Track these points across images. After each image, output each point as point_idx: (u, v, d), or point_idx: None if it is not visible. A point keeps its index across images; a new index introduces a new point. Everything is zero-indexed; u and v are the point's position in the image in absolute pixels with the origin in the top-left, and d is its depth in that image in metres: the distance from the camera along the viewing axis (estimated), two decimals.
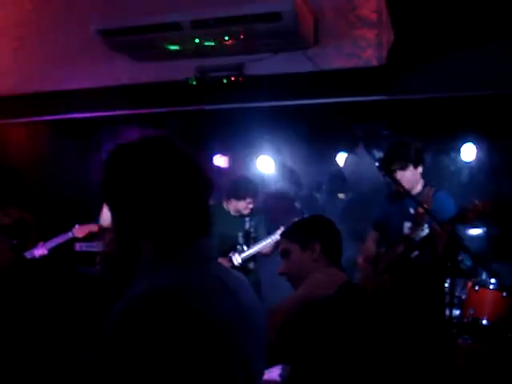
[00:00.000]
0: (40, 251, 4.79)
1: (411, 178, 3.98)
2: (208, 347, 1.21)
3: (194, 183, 1.40)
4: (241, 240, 5.14)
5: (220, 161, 6.70)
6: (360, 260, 4.30)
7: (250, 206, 5.17)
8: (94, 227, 5.06)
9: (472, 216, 3.59)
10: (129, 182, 1.36)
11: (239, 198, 5.16)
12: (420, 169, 4.04)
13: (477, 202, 3.58)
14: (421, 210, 3.76)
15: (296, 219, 2.92)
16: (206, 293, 1.30)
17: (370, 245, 4.32)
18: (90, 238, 5.17)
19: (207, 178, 1.47)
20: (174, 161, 1.39)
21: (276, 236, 5.06)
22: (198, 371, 1.18)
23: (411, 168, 3.96)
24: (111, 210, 1.41)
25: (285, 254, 2.55)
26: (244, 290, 1.46)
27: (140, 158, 1.38)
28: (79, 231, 5.07)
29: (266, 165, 6.56)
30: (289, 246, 2.53)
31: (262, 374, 1.49)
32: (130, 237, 1.39)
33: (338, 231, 2.63)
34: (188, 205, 1.37)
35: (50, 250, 4.88)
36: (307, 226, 2.60)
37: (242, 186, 5.24)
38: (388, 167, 3.89)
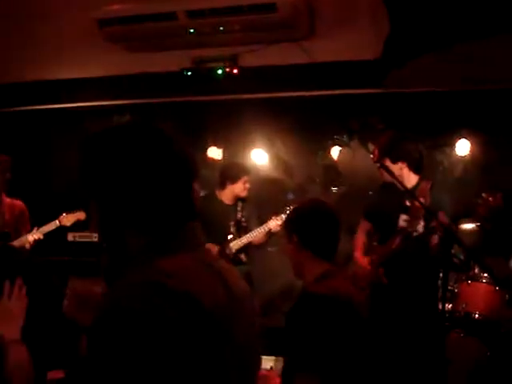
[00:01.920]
0: (36, 236, 4.87)
1: (400, 170, 3.97)
2: (203, 333, 1.20)
3: (178, 168, 1.37)
4: (232, 230, 5.14)
5: (214, 153, 6.67)
6: (356, 254, 4.28)
7: (247, 185, 5.20)
8: (81, 215, 5.05)
9: (482, 211, 3.57)
10: (112, 168, 1.32)
11: (235, 179, 5.19)
12: (406, 163, 4.02)
13: (484, 195, 3.57)
14: (417, 203, 3.75)
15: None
16: (199, 279, 1.28)
17: (361, 236, 4.30)
18: (80, 226, 5.17)
19: (191, 163, 1.42)
20: (157, 145, 1.35)
21: (267, 226, 5.06)
22: (195, 356, 1.17)
23: (399, 162, 3.96)
24: (94, 200, 1.36)
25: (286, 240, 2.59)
26: (234, 278, 1.43)
27: (122, 144, 1.34)
28: (66, 219, 5.07)
29: (259, 157, 6.54)
30: (287, 233, 2.59)
31: (258, 365, 1.47)
32: (115, 227, 1.34)
33: (327, 222, 2.56)
34: (173, 190, 1.35)
35: (45, 235, 4.94)
36: (290, 217, 2.64)
37: (234, 168, 5.33)
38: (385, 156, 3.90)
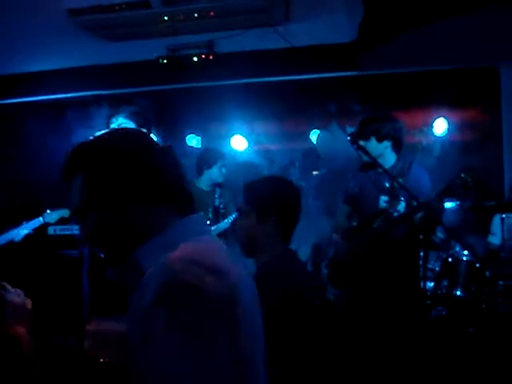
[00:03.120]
0: (25, 230, 4.83)
1: (375, 150, 3.97)
2: (237, 305, 1.28)
3: (175, 164, 1.48)
4: (210, 216, 5.15)
5: (193, 141, 6.66)
6: (335, 236, 4.29)
7: (223, 169, 5.20)
8: (65, 212, 5.00)
9: (462, 190, 3.59)
10: (125, 164, 1.38)
11: (210, 164, 5.19)
12: (386, 143, 4.02)
13: (463, 175, 3.58)
14: (398, 181, 3.77)
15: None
16: (221, 258, 1.39)
17: (342, 220, 4.32)
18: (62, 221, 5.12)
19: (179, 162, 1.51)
20: (151, 145, 1.45)
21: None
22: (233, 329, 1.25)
23: (373, 140, 3.96)
24: (100, 209, 1.39)
25: (241, 214, 2.42)
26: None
27: (119, 146, 1.41)
28: (50, 217, 5.02)
29: (239, 143, 6.54)
30: (247, 209, 2.38)
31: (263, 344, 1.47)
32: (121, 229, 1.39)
33: (299, 206, 2.48)
34: (174, 182, 1.44)
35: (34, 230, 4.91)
36: (270, 196, 2.38)
37: (209, 153, 5.34)
38: (360, 137, 3.90)
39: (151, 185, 1.37)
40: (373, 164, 3.90)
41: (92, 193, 1.38)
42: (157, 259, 1.28)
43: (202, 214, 1.51)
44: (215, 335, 1.20)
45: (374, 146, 3.97)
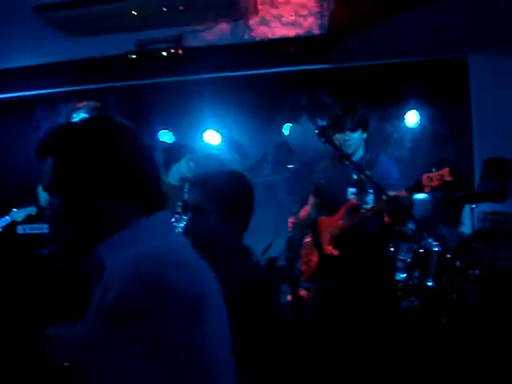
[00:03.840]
0: None
1: (358, 141, 3.97)
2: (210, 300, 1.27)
3: (148, 155, 1.45)
4: (179, 211, 5.11)
5: (165, 136, 6.61)
6: (291, 220, 4.29)
7: (192, 163, 5.17)
8: (32, 210, 4.93)
9: (433, 184, 3.59)
10: (95, 152, 1.34)
11: (178, 159, 5.16)
12: (365, 135, 4.03)
13: (434, 170, 3.58)
14: (365, 174, 3.77)
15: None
16: (193, 257, 1.37)
17: (312, 211, 4.31)
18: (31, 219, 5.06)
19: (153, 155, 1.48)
20: (126, 135, 1.42)
21: None
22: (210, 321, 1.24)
23: (360, 131, 3.95)
24: (66, 193, 1.35)
25: (200, 211, 2.27)
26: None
27: (92, 135, 1.37)
28: (17, 215, 4.95)
29: (212, 138, 6.50)
30: (209, 207, 2.26)
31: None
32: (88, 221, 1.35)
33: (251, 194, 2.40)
34: (148, 178, 1.42)
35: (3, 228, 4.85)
36: (235, 193, 2.30)
37: (176, 148, 5.31)
38: (337, 128, 3.88)
39: (123, 178, 1.35)
40: (347, 157, 3.89)
41: (60, 176, 1.35)
42: (120, 255, 1.25)
43: (168, 212, 1.48)
44: (181, 336, 1.16)
45: (358, 137, 3.96)
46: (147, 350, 1.12)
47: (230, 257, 2.25)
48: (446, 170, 3.55)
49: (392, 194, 3.61)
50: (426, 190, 3.59)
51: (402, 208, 3.63)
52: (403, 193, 3.62)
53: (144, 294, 1.15)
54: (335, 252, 3.88)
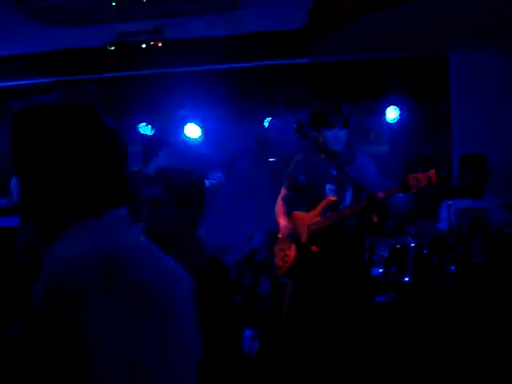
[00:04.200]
0: None
1: (345, 137, 3.95)
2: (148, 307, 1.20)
3: (107, 148, 1.30)
4: None
5: (145, 129, 6.57)
6: (280, 219, 4.21)
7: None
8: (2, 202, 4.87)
9: (420, 185, 3.57)
10: (42, 143, 1.24)
11: (157, 152, 5.14)
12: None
13: (421, 171, 3.56)
14: (345, 170, 3.75)
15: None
16: (133, 253, 1.28)
17: (282, 203, 4.23)
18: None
19: (122, 146, 1.35)
20: (88, 122, 1.28)
21: None
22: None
23: (347, 129, 3.93)
24: (20, 176, 1.29)
25: (157, 204, 2.31)
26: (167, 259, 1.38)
27: (54, 118, 1.26)
28: None
29: (192, 131, 6.47)
30: (168, 200, 2.31)
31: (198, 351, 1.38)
32: (37, 200, 1.28)
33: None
34: (103, 170, 1.29)
35: None
36: (192, 188, 2.36)
37: (154, 141, 5.34)
38: (326, 125, 3.84)
39: (84, 167, 1.24)
40: (336, 154, 3.87)
41: (13, 157, 1.28)
42: (55, 256, 1.21)
43: (123, 210, 1.36)
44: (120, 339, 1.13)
45: (346, 134, 3.94)
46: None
47: (185, 248, 2.28)
48: (432, 172, 3.54)
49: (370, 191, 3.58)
50: (413, 190, 3.57)
51: (381, 207, 3.60)
52: (381, 195, 3.59)
53: (68, 294, 1.13)
54: (315, 249, 3.86)
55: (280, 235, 4.12)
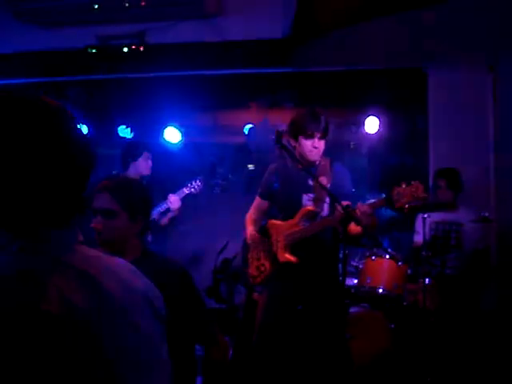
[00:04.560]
0: None
1: (323, 148, 3.93)
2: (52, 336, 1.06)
3: (69, 161, 1.13)
4: None
5: (124, 132, 6.54)
6: (249, 228, 4.19)
7: (150, 162, 5.14)
8: None
9: (405, 201, 3.51)
10: None
11: (136, 157, 5.12)
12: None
13: (405, 185, 3.50)
14: (321, 180, 3.75)
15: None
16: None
17: (254, 212, 4.22)
18: None
19: (87, 155, 1.18)
20: (45, 126, 1.10)
21: (166, 204, 5.05)
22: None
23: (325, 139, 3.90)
24: None
25: (110, 215, 2.42)
26: (115, 279, 1.18)
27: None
28: None
29: (171, 135, 6.46)
30: (117, 209, 2.43)
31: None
32: None
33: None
34: (51, 183, 1.11)
35: None
36: (140, 197, 2.53)
37: (134, 145, 5.29)
38: (305, 134, 3.82)
39: (28, 172, 1.07)
40: (313, 164, 3.87)
41: None
42: None
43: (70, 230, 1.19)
44: None
45: (324, 144, 3.92)
46: None
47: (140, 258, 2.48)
48: (417, 185, 3.49)
49: (356, 207, 3.56)
50: (397, 205, 3.52)
51: (360, 219, 3.57)
52: (366, 208, 3.57)
53: None
54: (294, 259, 3.86)
55: (248, 242, 4.13)
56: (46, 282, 1.09)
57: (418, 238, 5.01)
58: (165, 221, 5.18)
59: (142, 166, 5.13)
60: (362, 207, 3.55)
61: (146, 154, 5.14)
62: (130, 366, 1.11)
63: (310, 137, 3.82)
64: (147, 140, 5.92)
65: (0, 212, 1.10)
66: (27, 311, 1.04)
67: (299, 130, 3.84)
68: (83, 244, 1.22)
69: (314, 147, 3.83)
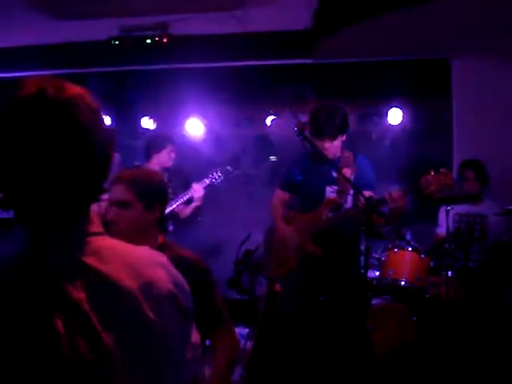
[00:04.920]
0: None
1: (338, 145, 3.92)
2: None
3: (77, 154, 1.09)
4: None
5: (147, 123, 6.58)
6: (279, 223, 4.19)
7: (172, 154, 5.15)
8: None
9: (433, 188, 3.49)
10: None
11: (159, 149, 5.14)
12: (345, 136, 3.96)
13: (433, 173, 3.48)
14: (344, 172, 3.75)
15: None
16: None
17: (279, 205, 4.23)
18: None
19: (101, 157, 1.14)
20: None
21: (188, 194, 5.05)
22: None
23: (340, 137, 3.88)
24: None
25: (125, 205, 2.43)
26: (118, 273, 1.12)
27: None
28: None
29: (194, 127, 6.49)
30: (132, 199, 2.43)
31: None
32: None
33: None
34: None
35: None
36: (155, 186, 2.54)
37: (158, 138, 5.29)
38: (316, 135, 3.81)
39: (49, 165, 1.06)
40: (321, 158, 3.85)
41: None
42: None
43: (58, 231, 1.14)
44: None
45: (338, 143, 3.88)
46: None
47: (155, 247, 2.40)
48: (447, 173, 3.46)
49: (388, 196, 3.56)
50: (426, 192, 3.50)
51: (377, 209, 3.57)
52: (398, 193, 3.56)
53: None
54: (319, 251, 3.86)
55: (278, 237, 4.13)
56: (53, 276, 1.08)
57: (441, 231, 4.98)
58: (188, 211, 5.19)
59: (165, 158, 5.15)
60: (393, 192, 3.55)
61: (169, 147, 5.16)
62: (138, 366, 1.08)
63: (321, 137, 3.81)
64: (170, 131, 5.95)
65: (18, 205, 1.11)
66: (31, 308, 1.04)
67: (311, 130, 3.82)
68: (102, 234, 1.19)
69: (324, 148, 3.83)
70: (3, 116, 1.08)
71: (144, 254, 1.20)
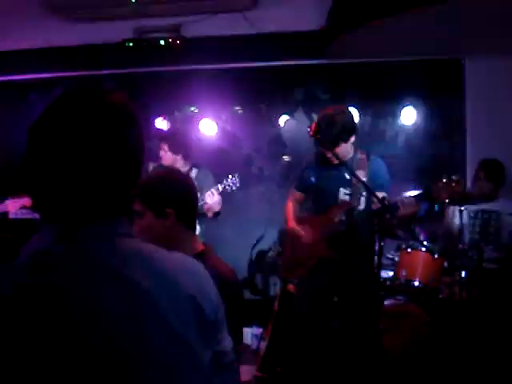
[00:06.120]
0: None
1: (348, 148, 3.95)
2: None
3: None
4: None
5: (162, 123, 6.62)
6: (290, 224, 4.21)
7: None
8: (27, 201, 4.76)
9: (445, 196, 3.53)
10: None
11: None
12: (354, 137, 3.97)
13: (446, 180, 3.51)
14: (358, 174, 3.76)
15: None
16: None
17: (291, 206, 4.25)
18: None
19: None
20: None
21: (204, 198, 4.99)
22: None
23: (342, 143, 3.90)
24: None
25: (138, 215, 2.29)
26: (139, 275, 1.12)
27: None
28: (11, 206, 4.82)
29: (208, 127, 6.52)
30: (141, 209, 2.28)
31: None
32: None
33: (195, 192, 2.43)
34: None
35: None
36: (161, 190, 2.32)
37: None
38: (319, 144, 3.84)
39: (84, 168, 1.09)
40: (335, 160, 3.87)
41: None
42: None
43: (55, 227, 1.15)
44: None
45: (343, 148, 3.92)
46: None
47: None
48: (459, 181, 3.50)
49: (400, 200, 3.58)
50: (437, 199, 3.54)
51: (386, 209, 3.59)
52: (409, 199, 3.58)
53: None
54: (334, 254, 3.89)
55: (291, 238, 4.15)
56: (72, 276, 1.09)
57: (450, 227, 4.96)
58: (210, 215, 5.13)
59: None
60: (405, 198, 3.57)
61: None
62: (153, 370, 1.07)
63: (324, 147, 3.85)
64: (183, 132, 5.96)
65: (45, 205, 1.13)
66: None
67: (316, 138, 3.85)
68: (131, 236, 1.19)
69: (336, 151, 3.86)
70: (47, 113, 1.12)
71: (170, 258, 1.21)
